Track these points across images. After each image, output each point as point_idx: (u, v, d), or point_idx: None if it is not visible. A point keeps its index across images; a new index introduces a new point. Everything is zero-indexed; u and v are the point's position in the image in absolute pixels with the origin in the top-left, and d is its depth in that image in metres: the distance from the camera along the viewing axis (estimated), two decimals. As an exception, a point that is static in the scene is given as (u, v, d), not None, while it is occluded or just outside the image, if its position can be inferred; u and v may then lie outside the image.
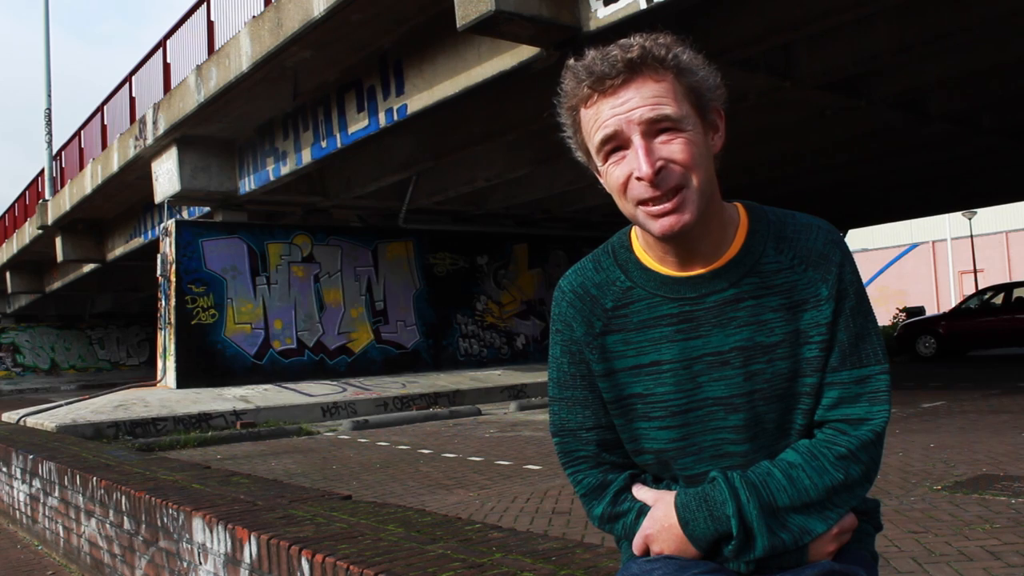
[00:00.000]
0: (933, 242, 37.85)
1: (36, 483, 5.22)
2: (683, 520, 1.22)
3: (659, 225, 1.19)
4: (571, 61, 1.23)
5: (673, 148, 1.17)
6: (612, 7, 7.07)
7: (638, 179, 1.17)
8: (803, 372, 1.25)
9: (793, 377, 1.25)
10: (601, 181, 1.29)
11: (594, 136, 1.20)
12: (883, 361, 1.26)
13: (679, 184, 1.17)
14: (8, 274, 28.30)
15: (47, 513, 5.01)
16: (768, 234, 1.28)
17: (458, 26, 7.23)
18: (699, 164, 1.18)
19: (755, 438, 1.26)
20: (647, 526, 1.26)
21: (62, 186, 20.10)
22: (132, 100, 15.31)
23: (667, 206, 1.17)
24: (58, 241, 21.21)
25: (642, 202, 1.19)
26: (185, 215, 15.82)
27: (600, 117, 1.19)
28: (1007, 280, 25.25)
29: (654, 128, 1.17)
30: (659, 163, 1.16)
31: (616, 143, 1.19)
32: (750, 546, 1.19)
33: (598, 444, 1.33)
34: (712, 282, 1.26)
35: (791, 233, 1.28)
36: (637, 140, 1.17)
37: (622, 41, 1.20)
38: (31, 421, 10.87)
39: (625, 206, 1.22)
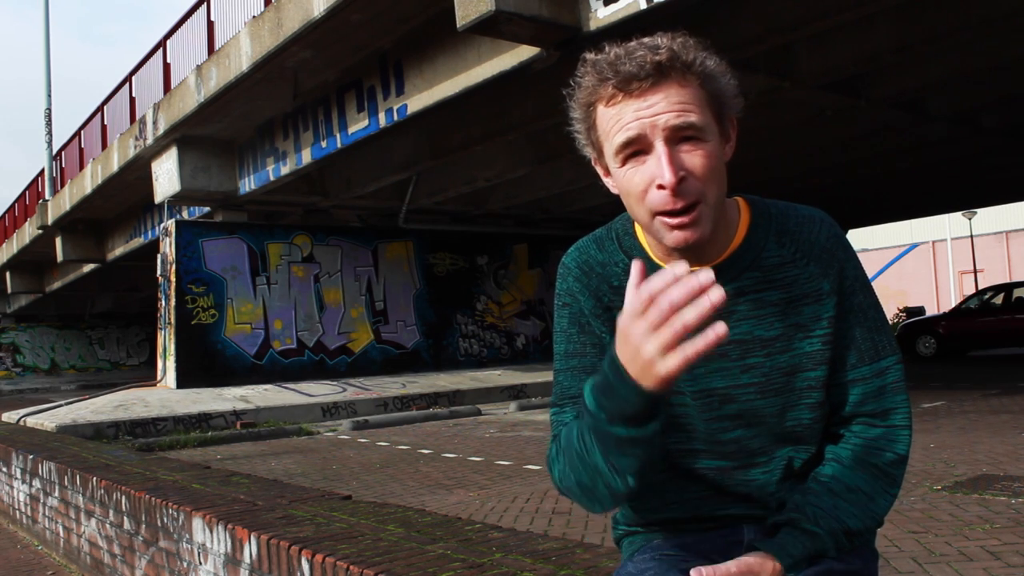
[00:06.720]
0: (933, 242, 37.84)
1: (36, 483, 5.22)
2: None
3: (673, 237, 1.17)
4: (591, 55, 1.19)
5: (695, 161, 1.15)
6: (612, 7, 7.07)
7: (659, 187, 1.14)
8: (803, 366, 1.25)
9: (792, 372, 1.25)
10: (606, 181, 1.26)
11: (614, 137, 1.17)
12: (896, 351, 1.29)
13: (696, 199, 1.15)
14: (8, 274, 28.28)
15: (47, 513, 5.00)
16: (770, 228, 1.28)
17: (458, 26, 7.23)
18: (716, 178, 1.17)
19: (749, 426, 1.27)
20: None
21: (62, 186, 20.09)
22: (132, 100, 15.30)
23: (684, 220, 1.15)
24: (58, 241, 21.20)
25: (660, 212, 1.16)
26: (185, 215, 15.81)
27: (623, 119, 1.15)
28: (1007, 280, 25.24)
29: (677, 135, 1.14)
30: (681, 173, 1.14)
31: (637, 147, 1.15)
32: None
33: None
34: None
35: (794, 226, 1.28)
36: (660, 147, 1.14)
37: (647, 41, 1.17)
38: (31, 421, 10.87)
39: (639, 212, 1.20)
